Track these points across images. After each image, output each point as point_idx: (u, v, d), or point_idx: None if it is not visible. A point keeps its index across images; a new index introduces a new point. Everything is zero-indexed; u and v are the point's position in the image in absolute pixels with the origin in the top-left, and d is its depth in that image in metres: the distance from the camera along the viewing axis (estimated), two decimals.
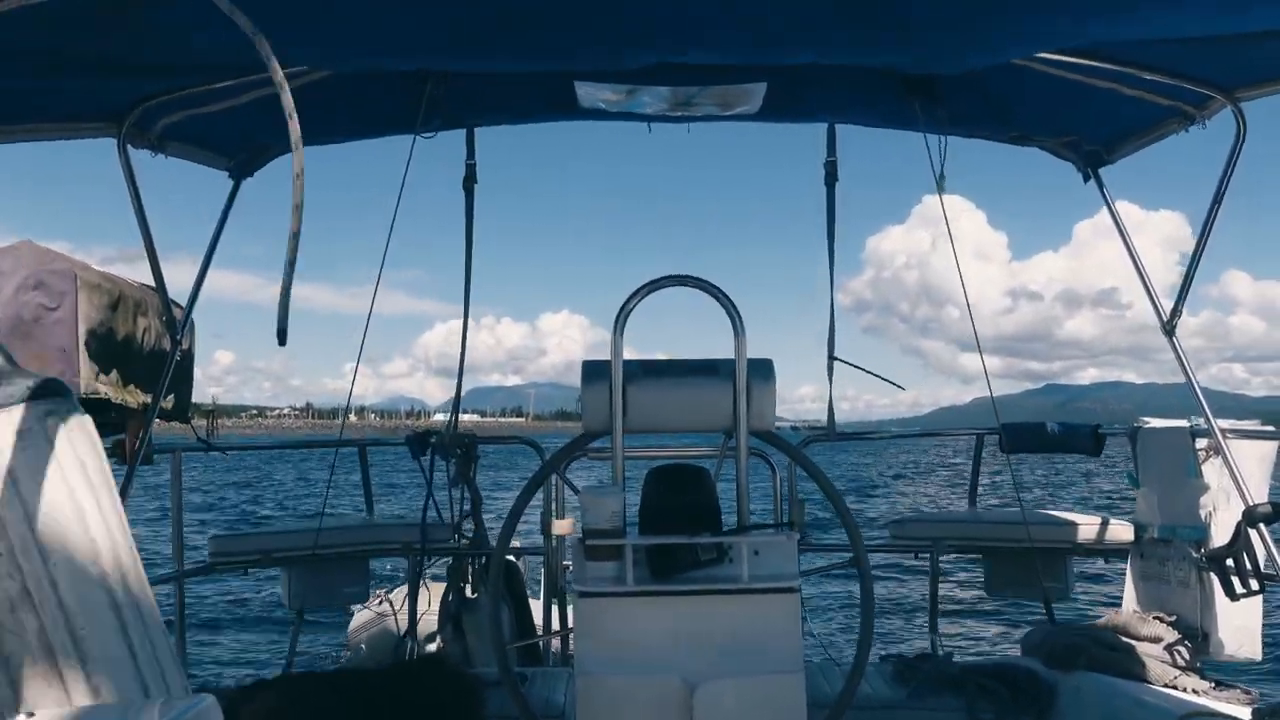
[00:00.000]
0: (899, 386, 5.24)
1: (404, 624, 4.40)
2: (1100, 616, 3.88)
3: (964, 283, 4.03)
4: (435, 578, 4.66)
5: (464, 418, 4.50)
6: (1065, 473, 34.73)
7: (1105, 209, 3.82)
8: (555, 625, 4.29)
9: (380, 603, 5.00)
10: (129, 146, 3.19)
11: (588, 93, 3.57)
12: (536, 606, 4.65)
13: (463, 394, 4.38)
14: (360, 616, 5.10)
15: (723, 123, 3.88)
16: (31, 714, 2.22)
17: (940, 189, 3.71)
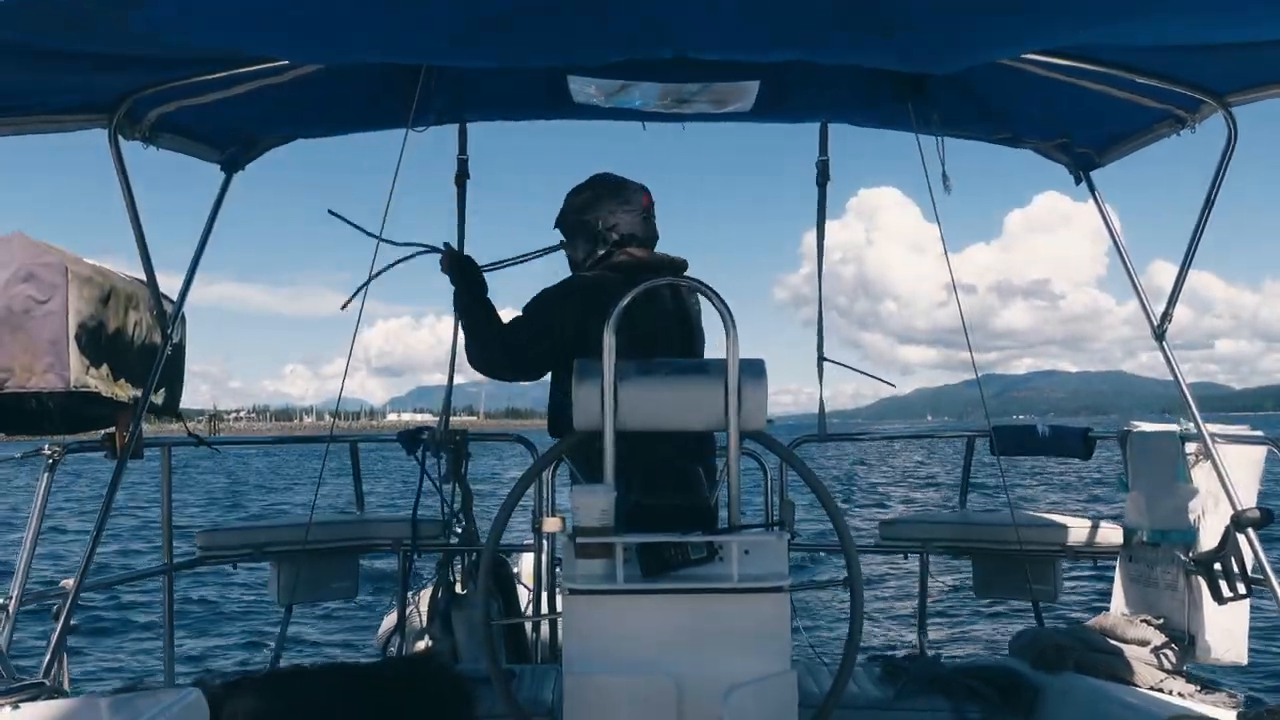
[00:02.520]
0: (890, 384, 5.31)
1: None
2: (1088, 619, 3.89)
3: (953, 277, 4.04)
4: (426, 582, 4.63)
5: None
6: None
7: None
8: (544, 624, 4.29)
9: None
10: (120, 138, 3.17)
11: (581, 87, 3.58)
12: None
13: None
14: (391, 618, 5.02)
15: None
16: (17, 706, 2.21)
17: (945, 189, 3.69)
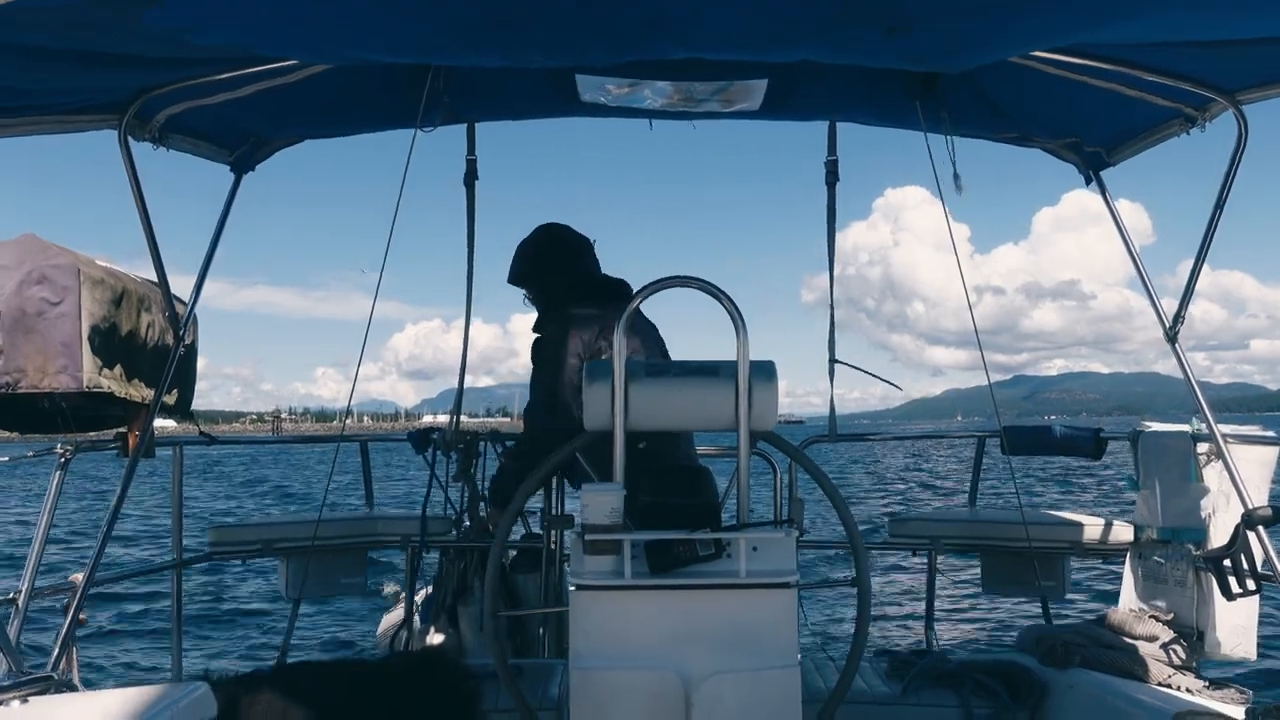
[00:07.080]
0: (897, 387, 5.32)
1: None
2: (1097, 615, 3.89)
3: (964, 278, 4.04)
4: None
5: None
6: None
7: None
8: (551, 620, 4.30)
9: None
10: (130, 139, 3.19)
11: (589, 86, 3.58)
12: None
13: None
14: (391, 616, 5.00)
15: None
16: (26, 699, 2.23)
17: (955, 189, 3.66)
